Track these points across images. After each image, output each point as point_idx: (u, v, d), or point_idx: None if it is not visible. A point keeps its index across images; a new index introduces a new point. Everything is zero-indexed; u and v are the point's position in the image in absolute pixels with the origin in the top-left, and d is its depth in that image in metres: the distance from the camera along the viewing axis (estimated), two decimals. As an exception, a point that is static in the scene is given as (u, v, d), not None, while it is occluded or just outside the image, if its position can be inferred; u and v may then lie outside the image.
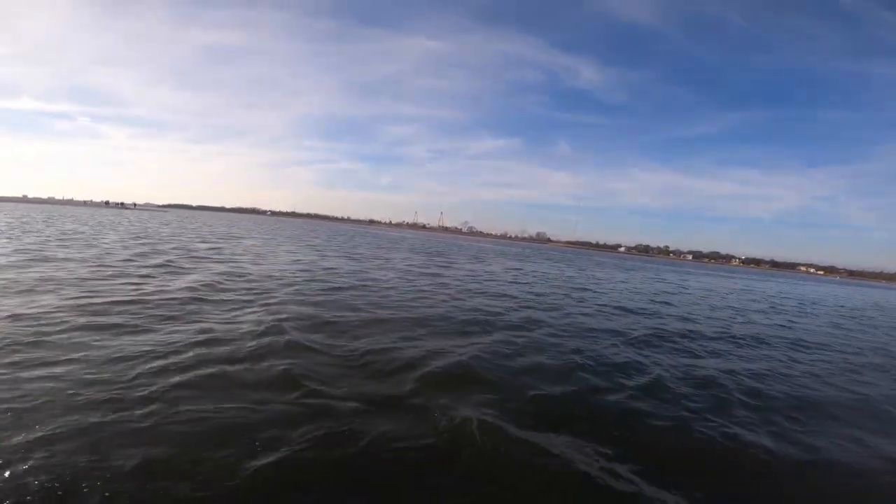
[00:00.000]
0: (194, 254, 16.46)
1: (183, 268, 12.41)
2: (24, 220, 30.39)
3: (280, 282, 11.31)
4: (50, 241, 16.97)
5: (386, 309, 9.04)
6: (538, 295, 13.83)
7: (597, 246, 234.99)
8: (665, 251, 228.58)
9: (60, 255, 12.83)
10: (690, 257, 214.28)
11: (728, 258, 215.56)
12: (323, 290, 10.68)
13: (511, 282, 17.15)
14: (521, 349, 6.88)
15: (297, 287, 10.67)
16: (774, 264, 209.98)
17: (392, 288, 12.15)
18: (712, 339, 9.33)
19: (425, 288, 12.92)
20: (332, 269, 15.48)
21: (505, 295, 13.06)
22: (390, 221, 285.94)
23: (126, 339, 5.52)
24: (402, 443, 3.65)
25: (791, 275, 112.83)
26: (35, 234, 19.12)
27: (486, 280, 16.84)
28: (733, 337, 9.76)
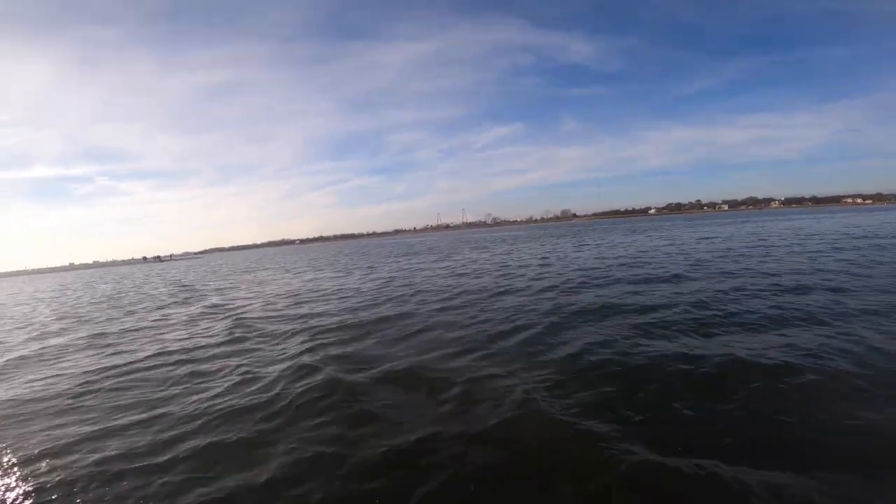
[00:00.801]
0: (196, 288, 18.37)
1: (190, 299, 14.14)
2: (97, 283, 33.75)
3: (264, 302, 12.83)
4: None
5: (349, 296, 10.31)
6: (501, 269, 14.68)
7: (625, 213, 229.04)
8: (698, 205, 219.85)
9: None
10: (726, 207, 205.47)
11: (767, 202, 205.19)
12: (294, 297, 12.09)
13: (492, 263, 17.96)
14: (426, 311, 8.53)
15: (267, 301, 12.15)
16: (816, 201, 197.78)
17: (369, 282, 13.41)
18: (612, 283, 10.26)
19: (395, 274, 14.27)
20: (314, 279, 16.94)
21: (467, 273, 14.05)
22: (415, 228, 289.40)
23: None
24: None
25: (833, 209, 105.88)
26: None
27: (466, 264, 17.74)
28: (638, 280, 10.40)
